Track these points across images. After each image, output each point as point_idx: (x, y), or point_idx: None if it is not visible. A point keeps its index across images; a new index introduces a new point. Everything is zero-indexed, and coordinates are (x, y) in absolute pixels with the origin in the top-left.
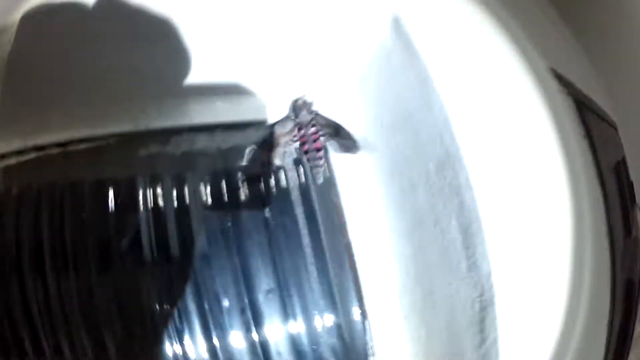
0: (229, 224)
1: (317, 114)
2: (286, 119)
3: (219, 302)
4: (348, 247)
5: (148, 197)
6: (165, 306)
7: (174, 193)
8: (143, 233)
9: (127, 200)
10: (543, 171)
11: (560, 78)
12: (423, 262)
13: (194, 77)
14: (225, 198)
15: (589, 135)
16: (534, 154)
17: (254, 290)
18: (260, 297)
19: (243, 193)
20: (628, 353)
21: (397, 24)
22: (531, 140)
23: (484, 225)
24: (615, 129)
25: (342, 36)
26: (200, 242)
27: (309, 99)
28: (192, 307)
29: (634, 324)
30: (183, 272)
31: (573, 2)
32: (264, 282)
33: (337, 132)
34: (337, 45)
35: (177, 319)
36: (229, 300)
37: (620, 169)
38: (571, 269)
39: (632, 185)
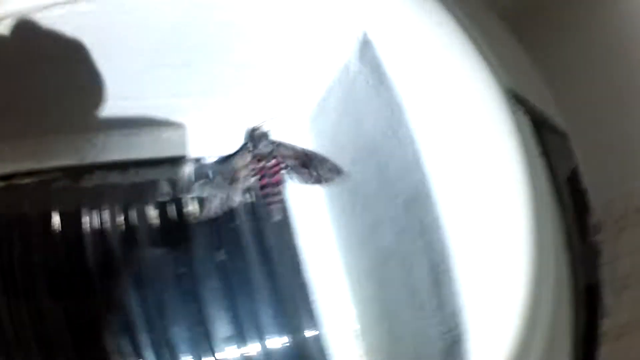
0: (182, 269)
1: (279, 144)
2: (243, 150)
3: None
4: (303, 287)
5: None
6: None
7: (121, 221)
8: (89, 260)
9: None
10: (506, 194)
11: (517, 97)
12: (386, 300)
13: (136, 109)
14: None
15: (545, 152)
16: (499, 179)
17: (212, 336)
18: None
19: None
20: (597, 353)
21: (364, 45)
22: (496, 165)
23: (454, 262)
24: (568, 138)
25: (299, 57)
26: (149, 277)
27: (266, 128)
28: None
29: (598, 327)
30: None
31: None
32: (222, 330)
33: (306, 163)
34: (293, 66)
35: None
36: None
37: (574, 177)
38: (532, 287)
39: (586, 191)
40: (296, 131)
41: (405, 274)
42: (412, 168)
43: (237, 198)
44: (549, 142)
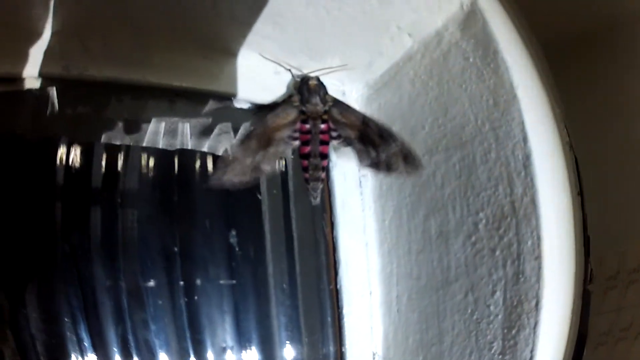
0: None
1: (336, 103)
2: (286, 103)
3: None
4: (331, 296)
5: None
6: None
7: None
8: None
9: None
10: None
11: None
12: (434, 330)
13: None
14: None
15: (581, 192)
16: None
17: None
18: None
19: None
20: None
21: (471, 15)
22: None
23: (543, 302)
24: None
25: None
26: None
27: (320, 80)
28: None
29: None
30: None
31: None
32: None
33: (368, 138)
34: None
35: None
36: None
37: (584, 224)
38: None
39: (589, 239)
40: (351, 100)
41: (470, 306)
42: (511, 176)
43: (266, 166)
44: (582, 183)
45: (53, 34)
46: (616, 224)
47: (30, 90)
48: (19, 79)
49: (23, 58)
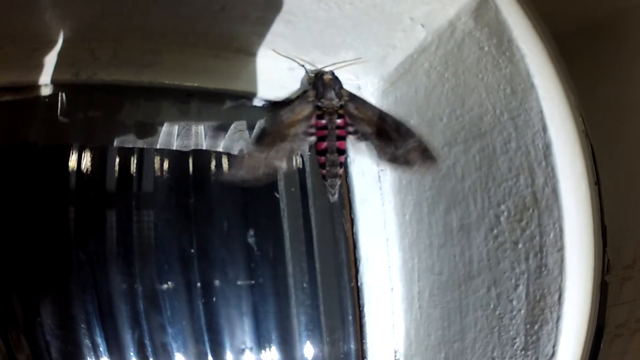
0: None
1: (352, 97)
2: (302, 99)
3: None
4: (351, 293)
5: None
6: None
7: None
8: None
9: None
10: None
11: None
12: (455, 327)
13: None
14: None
15: (598, 181)
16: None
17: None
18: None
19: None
20: None
21: (484, 2)
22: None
23: (566, 296)
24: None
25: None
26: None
27: (336, 74)
28: None
29: None
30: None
31: None
32: (237, 341)
33: (385, 133)
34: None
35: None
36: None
37: (602, 214)
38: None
39: (606, 229)
40: (366, 93)
41: (493, 301)
42: (531, 166)
43: (282, 162)
44: (598, 172)
45: (63, 42)
46: (633, 214)
47: (41, 98)
48: (30, 87)
49: (33, 66)
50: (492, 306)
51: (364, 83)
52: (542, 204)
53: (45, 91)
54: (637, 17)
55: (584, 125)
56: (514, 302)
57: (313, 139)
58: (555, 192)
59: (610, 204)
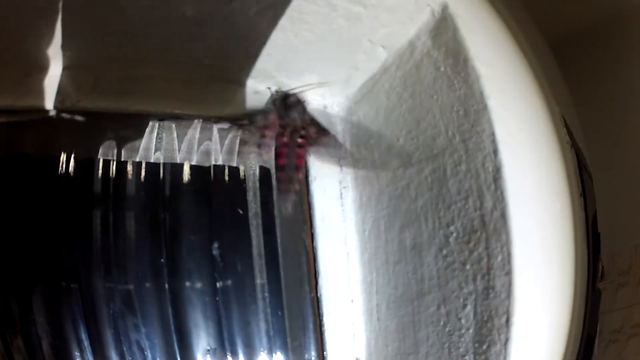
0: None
1: (312, 120)
2: (265, 119)
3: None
4: (315, 303)
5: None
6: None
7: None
8: None
9: None
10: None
11: (567, 127)
12: (409, 340)
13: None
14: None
15: (584, 192)
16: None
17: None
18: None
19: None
20: None
21: (442, 22)
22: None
23: (514, 320)
24: (592, 180)
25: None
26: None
27: (300, 97)
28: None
29: None
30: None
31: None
32: (202, 342)
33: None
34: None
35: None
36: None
37: (595, 221)
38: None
39: (600, 235)
40: (332, 113)
41: (443, 318)
42: (480, 189)
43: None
44: (586, 183)
45: (50, 70)
46: (628, 220)
47: (34, 120)
48: (25, 111)
49: (24, 92)
50: (442, 323)
51: (330, 102)
52: (489, 227)
53: (37, 115)
54: (636, 21)
55: (568, 136)
56: (462, 321)
57: (272, 154)
58: (504, 216)
59: (604, 209)
